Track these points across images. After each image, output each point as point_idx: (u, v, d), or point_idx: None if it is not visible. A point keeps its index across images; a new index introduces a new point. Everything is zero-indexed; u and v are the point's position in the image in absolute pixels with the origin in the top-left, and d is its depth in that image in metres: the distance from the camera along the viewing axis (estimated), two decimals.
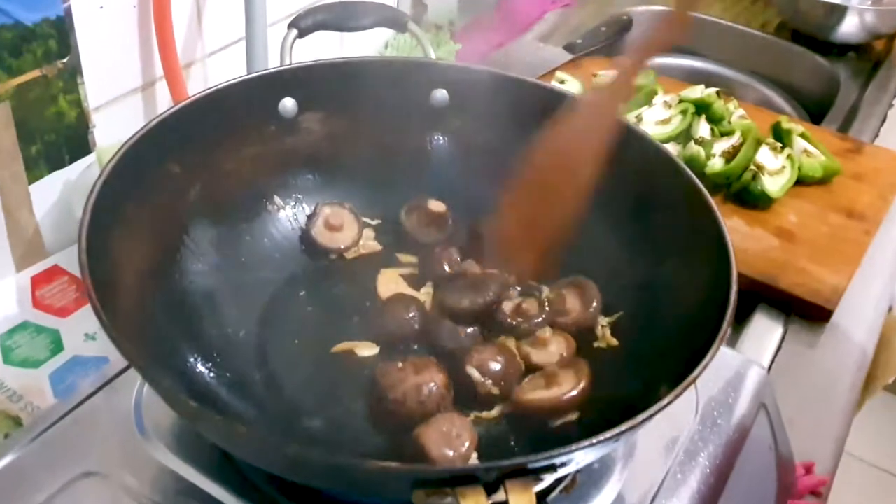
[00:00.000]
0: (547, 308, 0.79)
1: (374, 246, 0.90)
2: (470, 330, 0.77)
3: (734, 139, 1.22)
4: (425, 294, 0.84)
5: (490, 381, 0.71)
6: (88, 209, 0.63)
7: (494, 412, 0.72)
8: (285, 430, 0.69)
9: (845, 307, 1.05)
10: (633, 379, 0.70)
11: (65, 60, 0.94)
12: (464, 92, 0.90)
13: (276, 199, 0.88)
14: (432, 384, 0.67)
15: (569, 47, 1.51)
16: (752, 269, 1.06)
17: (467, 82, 0.90)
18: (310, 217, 0.87)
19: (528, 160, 0.75)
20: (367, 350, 0.78)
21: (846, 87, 1.56)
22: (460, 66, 0.93)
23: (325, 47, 1.23)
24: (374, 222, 0.91)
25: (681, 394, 0.56)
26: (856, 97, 1.55)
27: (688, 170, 0.78)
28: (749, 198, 1.17)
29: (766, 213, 1.17)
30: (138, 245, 0.71)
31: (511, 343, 0.77)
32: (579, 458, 0.55)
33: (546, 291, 0.81)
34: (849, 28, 1.61)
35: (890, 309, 1.16)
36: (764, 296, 1.07)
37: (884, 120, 1.49)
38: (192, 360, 0.72)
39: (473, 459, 0.61)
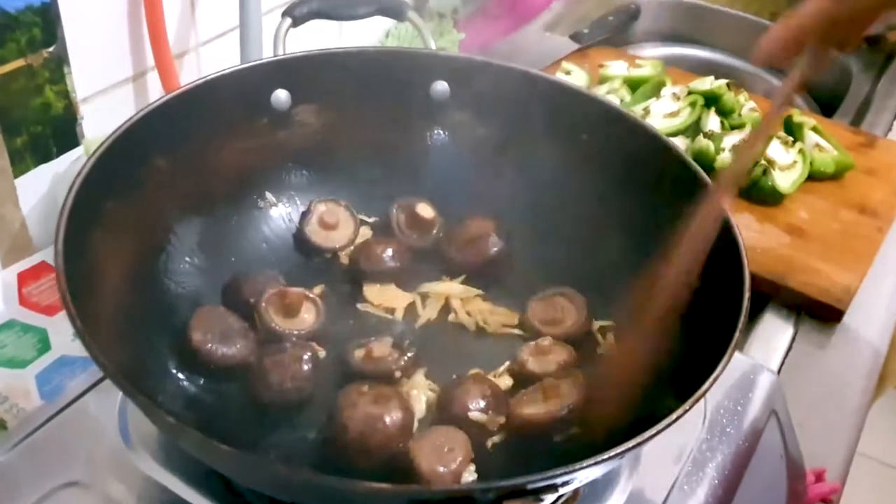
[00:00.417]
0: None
1: None
2: None
3: (745, 133, 1.19)
4: (416, 295, 0.82)
5: (491, 412, 0.67)
6: (66, 208, 0.61)
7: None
8: (276, 443, 0.66)
9: (857, 307, 1.02)
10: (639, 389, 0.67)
11: (50, 49, 0.91)
12: (466, 84, 0.88)
13: (268, 195, 0.85)
14: (387, 419, 0.63)
15: (575, 37, 1.48)
16: (762, 267, 1.03)
17: (469, 74, 0.87)
18: (304, 214, 0.84)
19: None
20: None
21: (858, 79, 1.53)
22: (462, 58, 0.90)
23: (323, 37, 1.20)
24: (371, 220, 0.88)
25: (690, 408, 0.53)
26: (868, 89, 1.51)
27: (696, 166, 0.75)
28: (759, 194, 1.14)
29: (776, 210, 1.14)
30: (120, 246, 0.68)
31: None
32: (582, 476, 0.52)
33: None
34: None
35: None
36: (773, 295, 1.04)
37: None
38: (175, 367, 0.69)
39: (469, 475, 0.58)
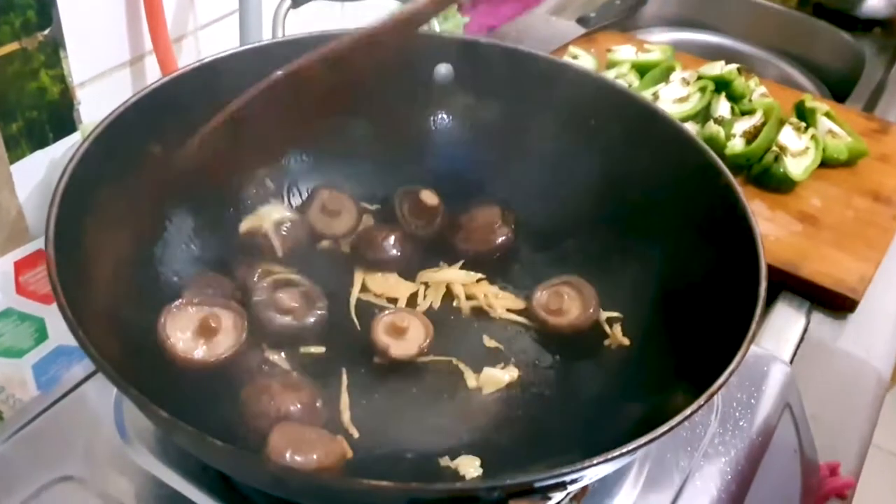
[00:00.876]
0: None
1: None
2: None
3: (755, 119, 1.16)
4: (420, 285, 0.81)
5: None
6: (58, 195, 0.59)
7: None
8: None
9: (871, 297, 1.00)
10: (648, 383, 0.65)
11: (46, 32, 0.89)
12: (470, 68, 0.86)
13: (268, 182, 0.83)
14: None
15: (582, 21, 1.46)
16: (773, 256, 1.02)
17: (474, 57, 0.85)
18: (305, 201, 0.82)
19: None
20: None
21: (871, 63, 1.51)
22: (467, 40, 0.88)
23: (324, 19, 1.17)
24: (373, 207, 0.86)
25: (704, 404, 0.51)
26: (882, 75, 1.49)
27: (711, 152, 0.72)
28: (771, 181, 1.12)
29: (788, 197, 1.12)
30: (115, 233, 0.66)
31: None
32: (591, 474, 0.50)
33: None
34: (875, 2, 1.56)
35: None
36: (785, 285, 1.02)
37: None
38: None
39: (474, 470, 0.56)
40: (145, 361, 0.63)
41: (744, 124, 1.16)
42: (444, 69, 0.86)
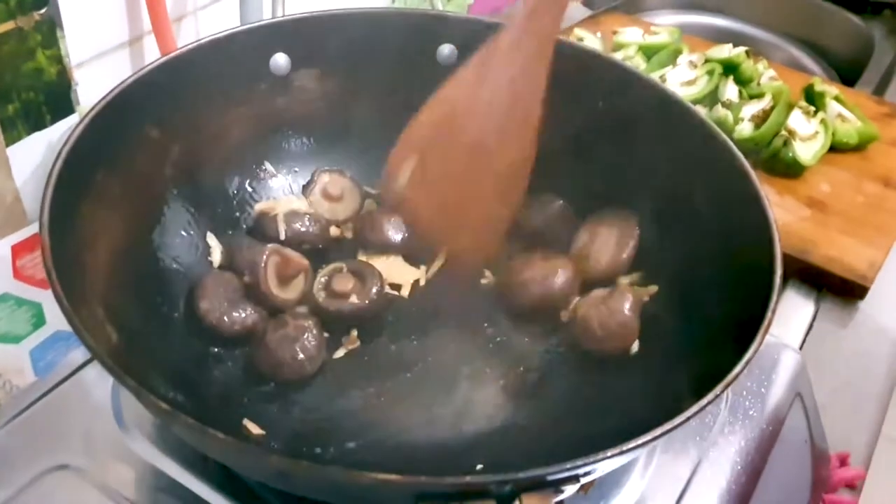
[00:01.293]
0: None
1: None
2: None
3: (764, 102, 1.15)
4: (423, 270, 0.80)
5: None
6: (53, 179, 0.57)
7: None
8: (275, 424, 0.63)
9: (881, 283, 0.99)
10: (658, 374, 0.64)
11: (42, 11, 0.87)
12: (474, 48, 0.83)
13: (268, 165, 0.82)
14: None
15: (588, 2, 1.44)
16: (782, 242, 0.98)
17: (478, 38, 0.82)
18: (306, 185, 0.81)
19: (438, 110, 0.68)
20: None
21: (881, 47, 1.50)
22: (471, 20, 0.87)
23: None
24: (376, 192, 0.84)
25: (720, 394, 0.50)
26: (892, 58, 1.48)
27: (725, 136, 0.71)
28: (779, 165, 1.10)
29: (797, 182, 1.11)
30: (112, 218, 0.65)
31: None
32: (604, 466, 0.49)
33: None
34: None
35: None
36: (793, 272, 1.00)
37: None
38: (170, 346, 0.65)
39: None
40: (144, 349, 0.61)
41: (752, 108, 1.14)
42: (447, 50, 0.85)
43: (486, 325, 0.75)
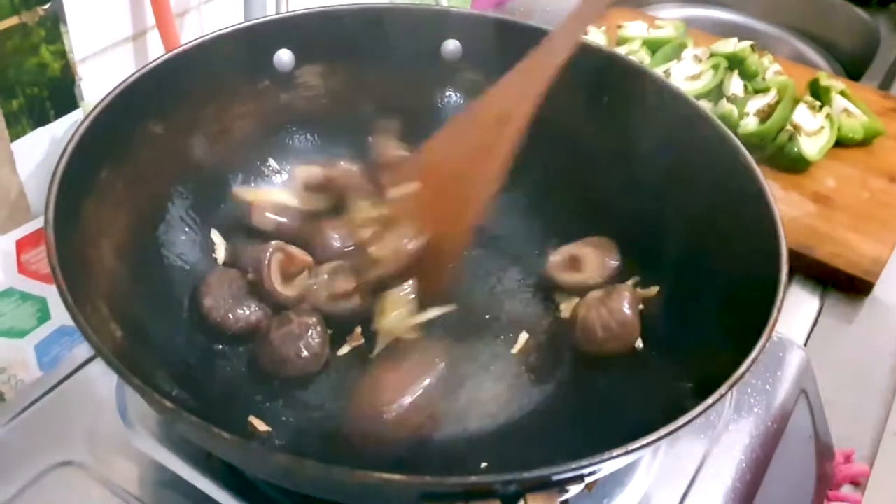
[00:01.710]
0: None
1: None
2: None
3: (769, 97, 1.14)
4: None
5: None
6: (57, 176, 0.57)
7: None
8: (280, 422, 0.63)
9: (887, 279, 0.99)
10: (662, 374, 0.64)
11: (46, 7, 0.87)
12: (478, 44, 0.84)
13: (272, 162, 0.81)
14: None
15: None
16: (787, 237, 0.99)
17: (482, 33, 0.84)
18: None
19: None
20: None
21: (887, 41, 1.48)
22: (474, 15, 0.86)
23: None
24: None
25: (725, 393, 0.50)
26: None
27: (725, 128, 0.71)
28: (785, 160, 1.10)
29: (802, 177, 1.10)
30: (116, 215, 0.65)
31: None
32: (609, 466, 0.49)
33: None
34: None
35: None
36: (798, 267, 1.00)
37: None
38: (175, 342, 0.65)
39: None
40: (148, 346, 0.61)
41: (757, 103, 1.14)
42: (451, 45, 0.85)
43: (490, 321, 0.75)
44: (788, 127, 1.10)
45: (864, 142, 1.16)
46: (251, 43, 0.77)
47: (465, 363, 0.71)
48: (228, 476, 0.62)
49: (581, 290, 0.74)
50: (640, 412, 0.58)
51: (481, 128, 0.70)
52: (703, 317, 0.66)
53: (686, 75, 1.18)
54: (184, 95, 0.70)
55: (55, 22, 0.89)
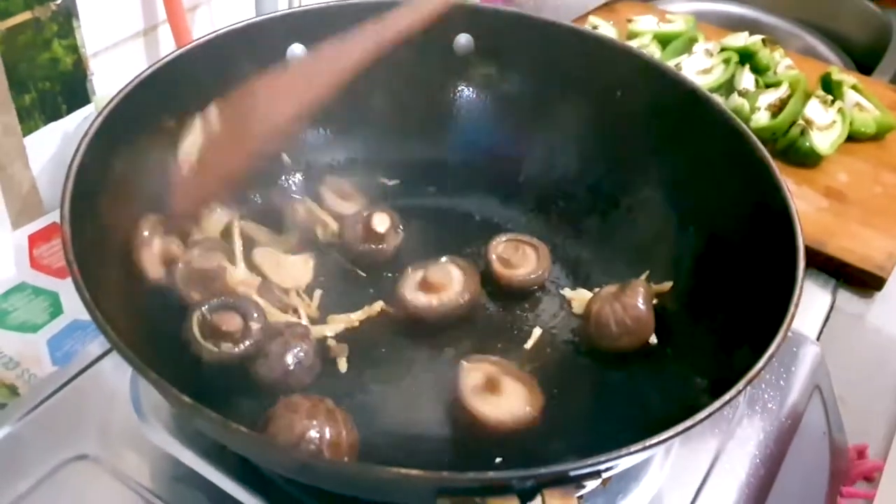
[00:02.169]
0: None
1: None
2: None
3: (781, 91, 1.14)
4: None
5: None
6: (73, 171, 0.57)
7: None
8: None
9: None
10: (679, 372, 0.64)
11: (58, 2, 0.87)
12: (490, 37, 0.84)
13: (284, 157, 0.81)
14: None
15: None
16: None
17: (494, 26, 0.84)
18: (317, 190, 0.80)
19: None
20: None
21: None
22: (486, 9, 0.86)
23: None
24: (392, 183, 0.84)
25: (742, 389, 0.49)
26: None
27: (738, 119, 0.70)
28: (796, 155, 1.09)
29: (814, 172, 1.10)
30: (129, 211, 0.64)
31: None
32: (626, 462, 0.49)
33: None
34: None
35: None
36: (811, 262, 0.98)
37: None
38: (190, 338, 0.65)
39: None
40: (165, 341, 0.61)
41: (769, 97, 1.13)
42: (463, 39, 0.85)
43: (503, 316, 0.75)
44: (800, 121, 1.10)
45: (877, 136, 1.16)
46: (263, 38, 0.76)
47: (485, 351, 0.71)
48: (243, 470, 0.62)
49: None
50: (656, 408, 0.58)
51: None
52: (718, 313, 0.66)
53: (697, 69, 1.18)
54: (197, 90, 0.70)
55: (67, 17, 0.89)
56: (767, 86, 1.16)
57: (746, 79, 1.16)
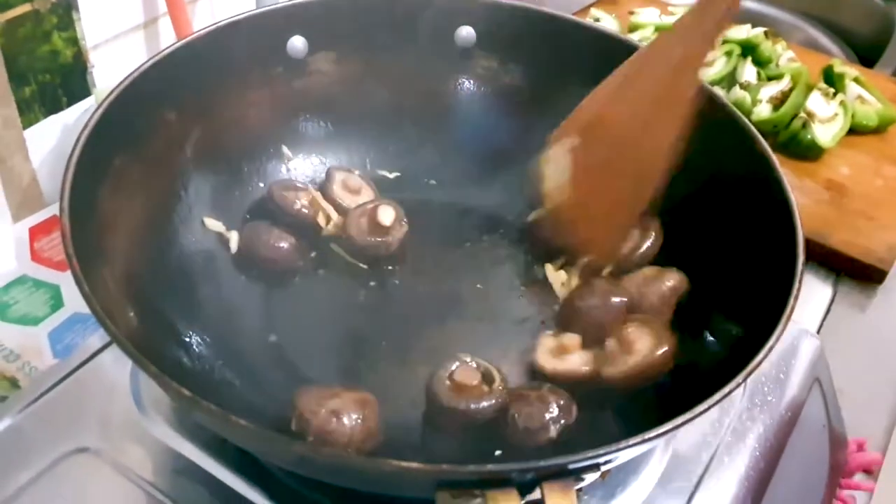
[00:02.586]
0: None
1: None
2: None
3: (783, 84, 1.13)
4: None
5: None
6: (72, 163, 0.57)
7: None
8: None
9: None
10: (682, 357, 0.63)
11: None
12: (492, 30, 0.84)
13: (285, 149, 0.81)
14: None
15: None
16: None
17: (496, 19, 0.83)
18: (324, 183, 0.80)
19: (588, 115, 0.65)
20: None
21: None
22: (489, 2, 0.85)
23: None
24: (393, 175, 0.84)
25: (742, 382, 0.49)
26: None
27: (738, 113, 0.70)
28: (798, 148, 1.09)
29: (815, 165, 1.09)
30: (130, 203, 0.65)
31: None
32: (625, 455, 0.49)
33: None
34: None
35: None
36: (811, 255, 0.98)
37: None
38: (188, 330, 0.66)
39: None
40: (165, 333, 0.61)
41: (770, 90, 1.13)
42: (465, 32, 0.85)
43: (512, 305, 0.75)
44: (802, 114, 1.09)
45: (879, 129, 1.15)
46: (264, 30, 0.76)
47: (486, 348, 0.70)
48: (243, 463, 0.62)
49: None
50: (655, 400, 0.58)
51: (655, 80, 0.62)
52: (718, 305, 0.66)
53: None
54: (197, 83, 0.70)
55: (67, 9, 0.89)
56: (769, 78, 1.16)
57: (748, 71, 1.16)
